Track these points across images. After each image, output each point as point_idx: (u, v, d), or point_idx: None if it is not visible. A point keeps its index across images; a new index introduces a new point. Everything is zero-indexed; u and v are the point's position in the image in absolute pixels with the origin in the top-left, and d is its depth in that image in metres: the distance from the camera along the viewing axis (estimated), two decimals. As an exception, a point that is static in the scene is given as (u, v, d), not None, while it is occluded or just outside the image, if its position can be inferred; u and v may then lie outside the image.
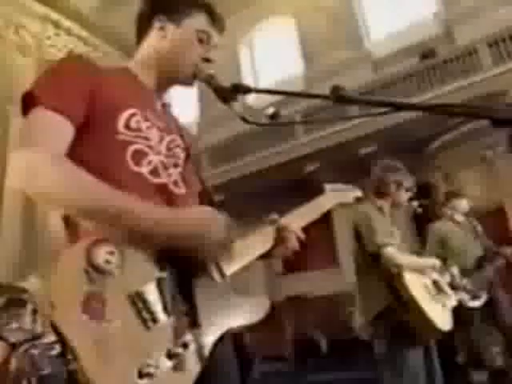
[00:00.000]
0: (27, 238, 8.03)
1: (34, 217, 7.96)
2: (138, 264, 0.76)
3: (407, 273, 1.97)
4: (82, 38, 10.73)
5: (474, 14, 9.07)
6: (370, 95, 8.60)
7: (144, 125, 0.94)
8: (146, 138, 0.93)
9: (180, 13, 1.03)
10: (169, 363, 0.72)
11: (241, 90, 0.92)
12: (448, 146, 7.63)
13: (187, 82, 1.06)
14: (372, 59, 10.63)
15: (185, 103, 11.34)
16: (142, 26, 1.07)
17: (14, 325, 3.36)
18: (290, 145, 9.53)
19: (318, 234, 6.85)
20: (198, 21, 1.04)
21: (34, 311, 3.57)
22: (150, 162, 0.92)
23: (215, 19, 1.06)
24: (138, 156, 0.90)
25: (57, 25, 10.27)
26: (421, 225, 5.57)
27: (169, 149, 0.98)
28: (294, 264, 9.57)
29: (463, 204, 3.28)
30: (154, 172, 0.92)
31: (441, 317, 1.97)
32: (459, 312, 2.23)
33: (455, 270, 2.59)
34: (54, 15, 10.14)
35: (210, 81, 0.97)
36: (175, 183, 0.96)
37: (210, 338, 0.80)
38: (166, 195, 0.92)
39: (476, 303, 2.81)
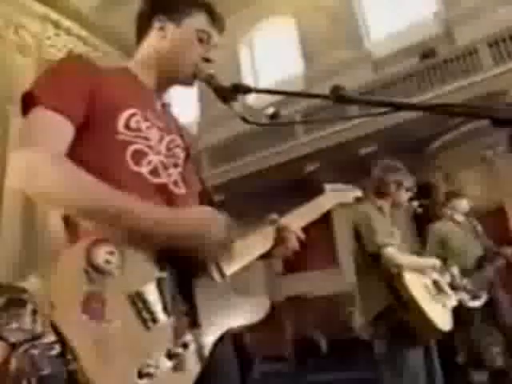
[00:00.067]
0: (27, 238, 8.03)
1: (34, 217, 7.96)
2: (138, 264, 0.76)
3: (407, 273, 1.96)
4: (82, 37, 10.73)
5: (474, 13, 9.07)
6: (370, 95, 8.60)
7: (144, 125, 0.94)
8: (146, 138, 0.93)
9: (180, 12, 1.03)
10: (169, 363, 0.72)
11: (241, 89, 0.91)
12: (448, 145, 7.63)
13: (187, 81, 1.05)
14: (372, 59, 10.63)
15: (185, 103, 11.33)
16: (142, 26, 1.07)
17: (14, 325, 3.36)
18: (290, 145, 9.53)
19: (317, 234, 6.85)
20: (198, 20, 1.04)
21: (34, 311, 3.57)
22: (149, 162, 0.92)
23: (215, 19, 1.06)
24: (138, 156, 0.90)
25: (57, 25, 10.27)
26: (421, 225, 5.57)
27: (168, 149, 0.98)
28: (294, 264, 9.57)
29: (463, 204, 3.27)
30: (154, 172, 0.92)
31: (441, 317, 1.97)
32: (459, 312, 2.23)
33: (455, 271, 2.59)
34: (54, 15, 10.14)
35: (210, 81, 0.97)
36: (175, 183, 0.96)
37: (210, 338, 0.80)
38: (165, 195, 0.92)
39: (476, 303, 2.81)
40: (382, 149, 8.20)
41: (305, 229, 1.10)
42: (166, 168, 0.95)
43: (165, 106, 1.08)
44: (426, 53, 8.74)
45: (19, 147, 0.81)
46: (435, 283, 2.14)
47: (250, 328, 0.89)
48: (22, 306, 3.59)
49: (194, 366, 0.75)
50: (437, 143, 7.88)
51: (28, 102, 0.85)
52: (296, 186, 8.34)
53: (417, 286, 1.98)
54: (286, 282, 9.93)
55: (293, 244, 1.03)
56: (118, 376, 0.67)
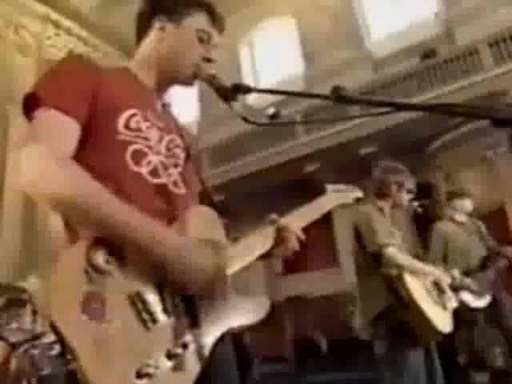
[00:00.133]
0: (27, 237, 8.03)
1: (34, 217, 7.96)
2: (137, 264, 0.76)
3: (408, 274, 1.96)
4: (82, 37, 10.73)
5: (474, 14, 9.07)
6: (370, 95, 8.60)
7: (144, 125, 0.94)
8: (146, 139, 0.93)
9: (180, 12, 1.03)
10: (168, 363, 0.72)
11: (241, 89, 0.91)
12: (449, 146, 7.63)
13: (187, 82, 1.05)
14: (373, 59, 10.63)
15: (185, 103, 11.34)
16: (142, 26, 1.07)
17: (14, 325, 3.37)
18: (290, 145, 9.53)
19: (318, 235, 6.85)
20: (198, 20, 1.03)
21: (34, 311, 3.57)
22: (149, 163, 0.91)
23: (215, 19, 1.06)
24: (138, 156, 0.90)
25: (57, 25, 10.27)
26: (421, 225, 5.56)
27: (168, 149, 0.98)
28: (294, 264, 9.57)
29: (466, 204, 3.22)
30: (154, 172, 0.92)
31: (441, 319, 1.97)
32: (462, 313, 2.22)
33: (456, 272, 2.58)
34: (54, 15, 10.15)
35: (211, 81, 0.97)
36: (175, 183, 0.96)
37: (210, 338, 0.80)
38: (165, 195, 0.92)
39: (480, 304, 2.80)
40: (383, 149, 8.21)
41: (305, 229, 1.10)
42: (165, 168, 0.95)
43: (165, 106, 1.08)
44: (427, 53, 8.75)
45: (26, 148, 0.79)
46: (436, 285, 2.13)
47: (250, 328, 0.89)
48: (22, 306, 3.59)
49: (193, 366, 0.75)
50: (437, 143, 7.88)
51: (30, 104, 0.85)
52: (296, 186, 8.34)
53: (417, 287, 1.98)
54: (286, 282, 9.93)
55: (293, 244, 1.03)
56: (117, 376, 0.67)
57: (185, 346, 0.75)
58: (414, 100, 7.63)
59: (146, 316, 0.73)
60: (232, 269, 0.90)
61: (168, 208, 0.91)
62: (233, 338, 0.96)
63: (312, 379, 6.05)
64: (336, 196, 1.37)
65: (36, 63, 9.46)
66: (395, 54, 9.91)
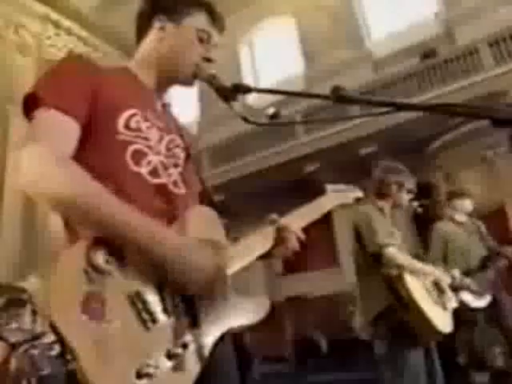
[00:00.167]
0: (27, 237, 8.03)
1: (34, 217, 7.96)
2: (137, 264, 0.76)
3: (408, 274, 1.96)
4: (82, 37, 10.73)
5: (474, 13, 9.07)
6: (370, 95, 8.60)
7: (144, 125, 0.94)
8: (146, 139, 0.93)
9: (180, 12, 1.03)
10: (168, 363, 0.72)
11: (241, 89, 0.91)
12: (449, 145, 7.63)
13: (187, 81, 1.05)
14: (373, 59, 10.63)
15: (185, 103, 11.34)
16: (142, 26, 1.07)
17: (14, 325, 3.37)
18: (290, 145, 9.53)
19: (318, 235, 6.85)
20: (198, 20, 1.03)
21: (34, 311, 3.57)
22: (149, 163, 0.91)
23: (215, 18, 1.06)
24: (138, 156, 0.90)
25: (57, 25, 10.28)
26: (421, 225, 5.56)
27: (168, 149, 0.98)
28: (294, 264, 9.57)
29: (466, 204, 3.22)
30: (154, 172, 0.92)
31: (441, 319, 1.96)
32: (462, 313, 2.22)
33: (456, 272, 2.58)
34: (54, 15, 10.15)
35: (211, 81, 0.97)
36: (175, 183, 0.96)
37: (210, 338, 0.80)
38: (165, 195, 0.92)
39: (480, 304, 2.80)
40: (383, 149, 8.20)
41: (305, 229, 1.10)
42: (165, 168, 0.95)
43: (165, 106, 1.08)
44: (427, 53, 8.75)
45: (26, 148, 0.79)
46: (436, 285, 2.13)
47: (250, 328, 0.89)
48: (22, 306, 3.59)
49: (193, 366, 0.75)
50: (437, 143, 7.88)
51: (30, 104, 0.85)
52: (296, 186, 8.34)
53: (417, 287, 1.97)
54: (286, 282, 9.93)
55: (293, 244, 1.03)
56: (117, 376, 0.67)
57: (185, 346, 0.75)
58: (414, 100, 7.63)
59: (145, 316, 0.73)
60: (232, 269, 0.90)
61: (168, 208, 0.91)
62: (233, 338, 0.96)
63: (312, 379, 6.06)
64: (336, 196, 1.37)
65: (36, 63, 9.46)
66: (395, 53, 9.91)
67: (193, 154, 1.07)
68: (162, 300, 0.76)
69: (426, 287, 2.05)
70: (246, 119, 0.90)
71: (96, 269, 0.70)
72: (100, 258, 0.71)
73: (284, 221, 1.06)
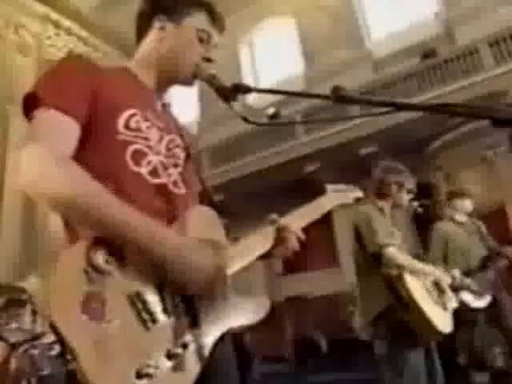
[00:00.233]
0: (27, 238, 8.03)
1: (34, 217, 7.96)
2: (137, 264, 0.76)
3: (408, 275, 1.96)
4: (82, 37, 10.74)
5: (474, 13, 9.07)
6: (370, 95, 8.60)
7: (144, 125, 0.94)
8: (146, 139, 0.93)
9: (180, 12, 1.03)
10: (168, 363, 0.72)
11: (241, 89, 0.91)
12: (449, 146, 7.62)
13: (187, 81, 1.05)
14: (373, 59, 10.63)
15: (185, 103, 11.34)
16: (142, 26, 1.07)
17: (14, 325, 3.37)
18: (290, 145, 9.53)
19: (318, 235, 6.85)
20: (198, 20, 1.03)
21: (34, 311, 3.57)
22: (149, 163, 0.91)
23: (215, 18, 1.06)
24: (138, 156, 0.90)
25: (57, 25, 10.28)
26: (421, 225, 5.56)
27: (168, 149, 0.98)
28: (294, 264, 9.57)
29: (466, 204, 3.21)
30: (154, 172, 0.92)
31: (441, 319, 1.96)
32: (462, 313, 2.22)
33: (456, 272, 2.58)
34: (54, 15, 10.15)
35: (211, 81, 0.97)
36: (175, 183, 0.96)
37: (210, 338, 0.80)
38: (165, 195, 0.92)
39: (480, 304, 2.79)
40: (383, 149, 8.20)
41: (305, 229, 1.10)
42: (165, 168, 0.95)
43: (165, 105, 1.08)
44: (427, 53, 8.74)
45: (25, 148, 0.79)
46: (436, 285, 2.13)
47: (250, 328, 0.89)
48: (22, 306, 3.59)
49: (193, 366, 0.75)
50: (437, 143, 7.88)
51: (30, 104, 0.85)
52: (296, 186, 8.34)
53: (417, 287, 1.97)
54: (286, 282, 9.93)
55: (293, 244, 1.03)
56: (117, 376, 0.67)
57: (185, 346, 0.75)
58: (414, 100, 7.63)
59: (145, 316, 0.73)
60: (232, 269, 0.90)
61: (168, 208, 0.91)
62: (233, 338, 0.96)
63: (312, 379, 6.05)
64: (336, 196, 1.37)
65: (36, 63, 9.47)
66: (395, 53, 9.91)
67: (193, 153, 1.07)
68: (162, 300, 0.76)
69: (426, 287, 2.05)
70: (245, 119, 0.90)
71: (96, 269, 0.70)
72: (100, 258, 0.71)
73: (284, 221, 1.06)
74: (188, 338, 0.76)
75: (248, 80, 12.07)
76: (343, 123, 8.69)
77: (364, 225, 2.12)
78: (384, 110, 0.74)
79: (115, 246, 0.74)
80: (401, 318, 1.92)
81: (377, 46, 10.74)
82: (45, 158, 0.78)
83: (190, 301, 0.80)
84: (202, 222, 0.92)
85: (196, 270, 0.78)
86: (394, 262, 1.98)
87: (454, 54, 8.45)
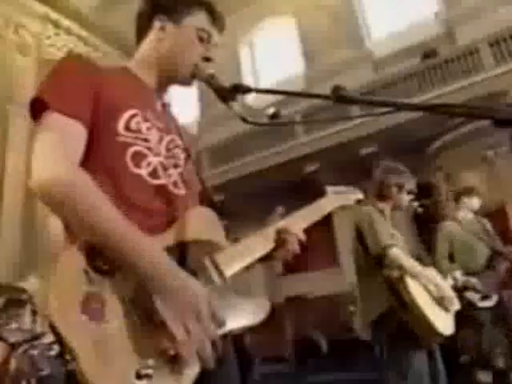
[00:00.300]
0: (27, 238, 8.04)
1: (34, 217, 7.97)
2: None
3: (409, 277, 1.95)
4: (82, 37, 10.75)
5: (475, 13, 9.07)
6: (370, 95, 8.59)
7: (144, 126, 0.93)
8: (146, 140, 0.93)
9: (180, 12, 1.03)
10: (168, 364, 0.72)
11: (241, 89, 0.91)
12: (449, 146, 7.62)
13: (185, 82, 1.05)
14: (373, 59, 10.63)
15: (185, 103, 11.34)
16: (142, 26, 1.07)
17: (14, 325, 3.37)
18: (290, 145, 9.53)
19: (318, 236, 6.84)
20: (198, 19, 1.03)
21: (34, 312, 3.58)
22: (149, 164, 0.91)
23: (215, 18, 1.06)
24: (138, 158, 0.90)
25: (57, 24, 10.29)
26: (421, 225, 5.56)
27: (168, 149, 0.98)
28: (295, 265, 9.55)
29: (473, 202, 3.19)
30: (154, 173, 0.91)
31: (442, 321, 1.95)
32: (468, 313, 2.20)
33: (458, 274, 2.56)
34: (54, 15, 10.16)
35: (210, 81, 0.97)
36: (175, 184, 0.95)
37: (209, 339, 0.80)
38: (165, 196, 0.92)
39: (486, 303, 2.78)
40: (383, 149, 8.20)
41: (305, 230, 1.09)
42: (165, 169, 0.94)
43: (165, 105, 1.08)
44: (427, 53, 8.73)
45: (36, 153, 0.79)
46: (437, 287, 2.11)
47: (251, 329, 0.89)
48: (22, 307, 3.59)
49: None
50: (437, 143, 7.87)
51: (37, 107, 0.85)
52: (296, 186, 8.34)
53: (419, 290, 1.96)
54: (286, 282, 9.92)
55: (293, 247, 1.02)
56: (117, 377, 0.66)
57: (185, 346, 0.75)
58: (415, 100, 7.63)
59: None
60: (232, 269, 0.90)
61: (168, 209, 0.90)
62: (233, 339, 0.96)
63: (312, 379, 6.05)
64: (336, 198, 1.36)
65: (36, 63, 9.47)
66: (396, 53, 9.91)
67: (193, 154, 1.07)
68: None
69: (427, 289, 2.04)
70: (244, 119, 0.89)
71: (96, 269, 0.70)
72: (100, 258, 0.71)
73: (285, 222, 1.05)
74: (188, 338, 0.76)
75: (248, 80, 12.08)
76: (343, 123, 8.69)
77: (366, 225, 2.10)
78: (384, 110, 0.74)
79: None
80: (401, 319, 1.91)
81: (377, 45, 10.74)
82: (58, 163, 0.78)
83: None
84: (201, 222, 0.91)
85: (170, 293, 0.73)
86: (396, 263, 1.96)
87: (454, 54, 8.45)
